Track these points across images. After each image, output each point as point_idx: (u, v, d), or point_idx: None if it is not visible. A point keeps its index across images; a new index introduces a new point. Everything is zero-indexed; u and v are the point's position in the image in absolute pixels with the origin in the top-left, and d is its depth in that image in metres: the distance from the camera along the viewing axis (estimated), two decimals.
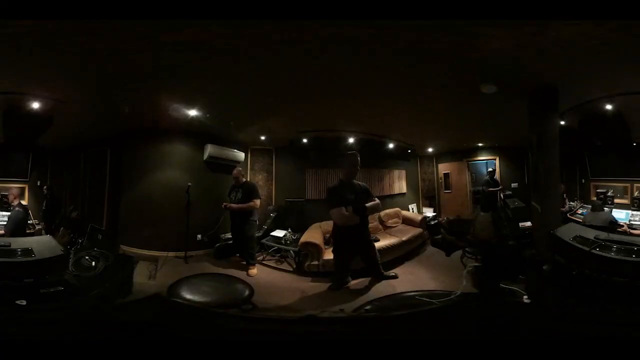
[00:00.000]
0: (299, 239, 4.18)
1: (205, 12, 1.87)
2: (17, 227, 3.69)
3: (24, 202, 4.15)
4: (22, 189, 4.27)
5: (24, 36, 2.19)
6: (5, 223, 3.71)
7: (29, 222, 4.10)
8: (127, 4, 1.81)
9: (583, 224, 3.65)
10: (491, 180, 5.58)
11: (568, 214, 4.53)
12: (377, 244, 4.24)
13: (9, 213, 3.80)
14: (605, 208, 4.27)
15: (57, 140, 4.26)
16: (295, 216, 5.03)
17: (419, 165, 6.52)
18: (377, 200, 3.48)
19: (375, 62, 2.69)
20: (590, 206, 4.34)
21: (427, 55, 2.55)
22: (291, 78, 3.06)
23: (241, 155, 4.99)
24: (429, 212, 5.98)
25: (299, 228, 4.60)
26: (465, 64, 2.73)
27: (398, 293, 3.10)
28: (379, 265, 3.66)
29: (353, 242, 3.40)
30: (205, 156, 4.61)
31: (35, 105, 3.34)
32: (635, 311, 1.79)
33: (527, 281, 2.70)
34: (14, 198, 3.92)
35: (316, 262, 3.87)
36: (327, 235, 4.43)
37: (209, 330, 1.42)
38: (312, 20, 2.04)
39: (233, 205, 4.13)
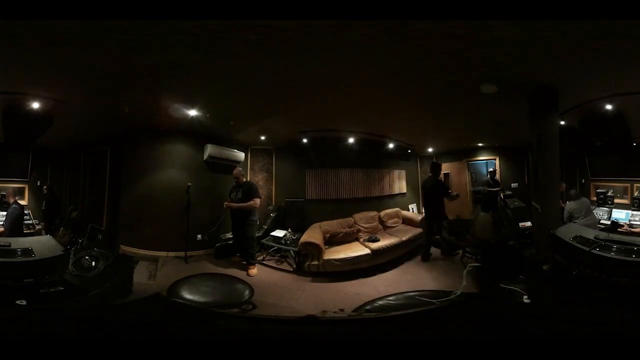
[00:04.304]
0: (299, 239, 4.18)
1: (206, 12, 1.87)
2: (14, 223, 3.75)
3: (23, 202, 4.16)
4: (22, 189, 4.28)
5: (24, 36, 2.19)
6: (3, 221, 3.75)
7: (29, 222, 4.12)
8: (127, 4, 1.81)
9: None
10: (491, 180, 5.57)
11: None
12: (377, 244, 4.25)
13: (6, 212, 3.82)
14: (583, 197, 4.15)
15: (57, 140, 4.26)
16: (295, 216, 5.03)
17: (419, 165, 6.51)
18: None
19: (375, 62, 2.69)
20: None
21: (428, 55, 2.55)
22: (291, 78, 3.06)
23: (241, 155, 4.99)
24: None
25: (299, 228, 4.61)
26: (466, 64, 2.73)
27: (398, 293, 3.10)
28: None
29: None
30: (205, 156, 4.61)
31: (35, 105, 3.34)
32: (635, 311, 1.79)
33: (527, 281, 2.70)
34: (10, 196, 3.97)
35: (316, 262, 3.87)
36: (328, 235, 4.44)
37: (209, 330, 1.41)
38: (312, 20, 2.04)
39: (233, 204, 4.15)
